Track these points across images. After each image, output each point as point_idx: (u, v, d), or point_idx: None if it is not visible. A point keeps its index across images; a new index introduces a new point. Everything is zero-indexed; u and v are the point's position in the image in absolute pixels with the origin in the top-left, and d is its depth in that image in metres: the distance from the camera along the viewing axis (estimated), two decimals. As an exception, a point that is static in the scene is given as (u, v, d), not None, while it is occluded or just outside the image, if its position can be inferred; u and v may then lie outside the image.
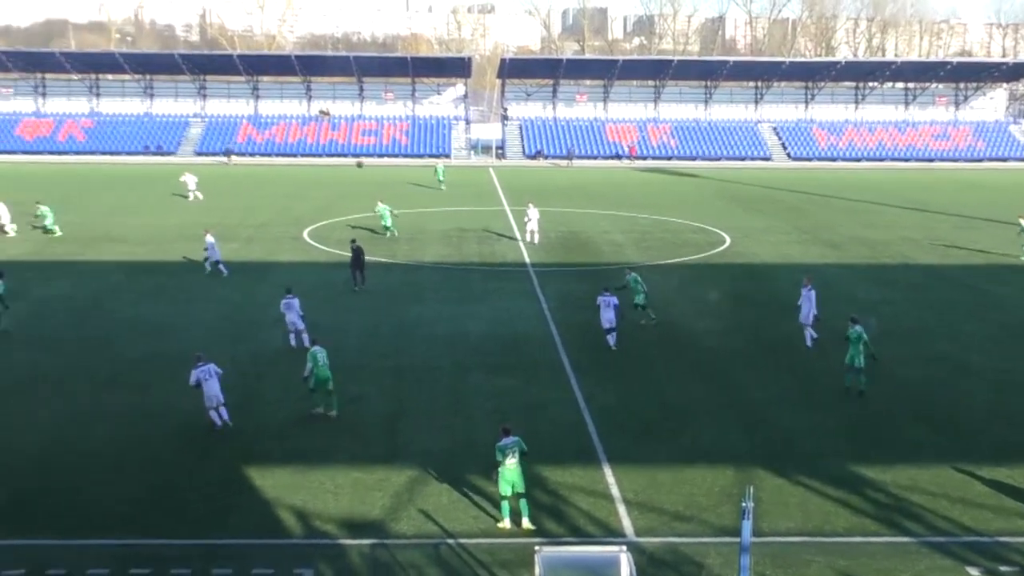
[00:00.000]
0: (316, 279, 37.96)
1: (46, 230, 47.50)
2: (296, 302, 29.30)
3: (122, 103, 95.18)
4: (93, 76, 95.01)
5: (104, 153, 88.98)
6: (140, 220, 51.91)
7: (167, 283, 37.24)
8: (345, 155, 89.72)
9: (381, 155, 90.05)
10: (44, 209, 48.02)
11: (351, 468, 20.50)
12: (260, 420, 23.26)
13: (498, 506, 18.39)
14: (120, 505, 18.82)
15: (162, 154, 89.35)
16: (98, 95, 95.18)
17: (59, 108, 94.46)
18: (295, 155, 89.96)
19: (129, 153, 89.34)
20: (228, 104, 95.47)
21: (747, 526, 14.21)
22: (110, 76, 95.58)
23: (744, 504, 14.14)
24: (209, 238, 39.33)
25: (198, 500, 19.09)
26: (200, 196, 60.21)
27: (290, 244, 45.49)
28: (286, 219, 52.50)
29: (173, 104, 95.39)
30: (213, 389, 22.38)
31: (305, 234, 47.92)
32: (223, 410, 22.53)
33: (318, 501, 19.04)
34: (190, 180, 61.50)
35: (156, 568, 16.49)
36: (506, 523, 18.13)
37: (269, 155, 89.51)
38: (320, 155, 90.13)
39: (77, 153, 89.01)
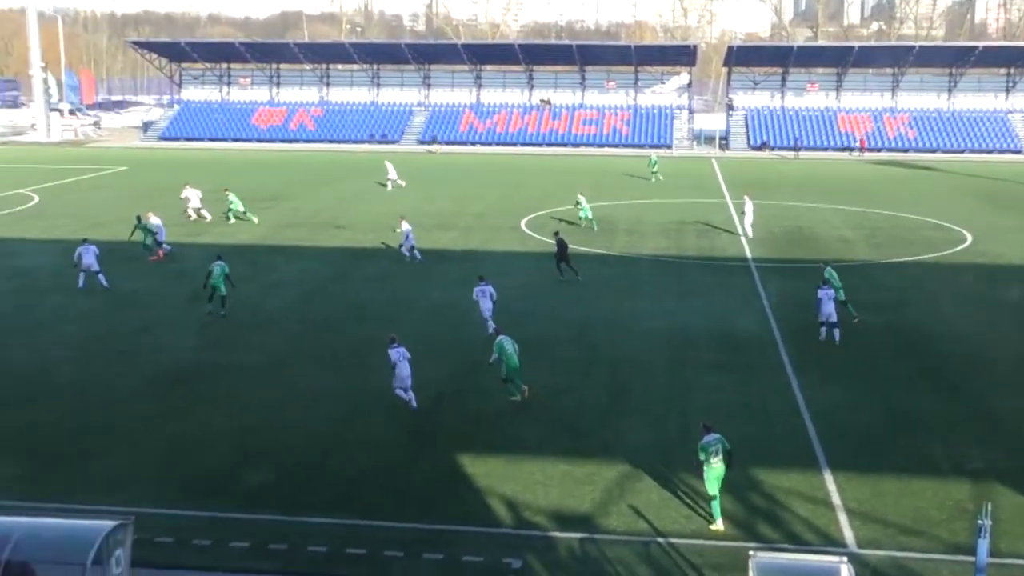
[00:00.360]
0: (531, 269, 38.50)
1: (238, 217, 48.60)
2: (489, 289, 29.84)
3: (350, 92, 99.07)
4: (324, 66, 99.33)
5: (332, 141, 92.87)
6: (365, 207, 53.94)
7: (390, 269, 38.61)
8: (565, 145, 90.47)
9: (601, 145, 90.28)
10: (232, 197, 49.25)
11: (561, 460, 20.72)
12: (476, 407, 23.85)
13: (711, 507, 18.20)
14: (338, 485, 19.69)
15: (387, 142, 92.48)
16: (328, 84, 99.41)
17: (292, 97, 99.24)
18: (515, 144, 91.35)
19: (355, 141, 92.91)
20: (451, 93, 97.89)
21: (983, 545, 13.56)
22: (339, 66, 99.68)
23: (980, 521, 13.49)
24: (405, 225, 40.54)
25: (413, 484, 19.73)
26: (402, 183, 61.90)
27: (507, 234, 46.28)
28: (504, 208, 53.43)
29: (398, 93, 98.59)
30: (404, 371, 23.28)
31: (523, 224, 48.64)
32: (411, 393, 23.28)
33: (528, 492, 19.34)
34: (390, 169, 63.29)
35: (371, 549, 17.18)
36: (719, 525, 17.92)
37: (489, 144, 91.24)
38: (540, 144, 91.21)
39: (307, 141, 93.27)
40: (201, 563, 16.71)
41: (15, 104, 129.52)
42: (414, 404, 23.34)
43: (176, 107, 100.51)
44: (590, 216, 47.53)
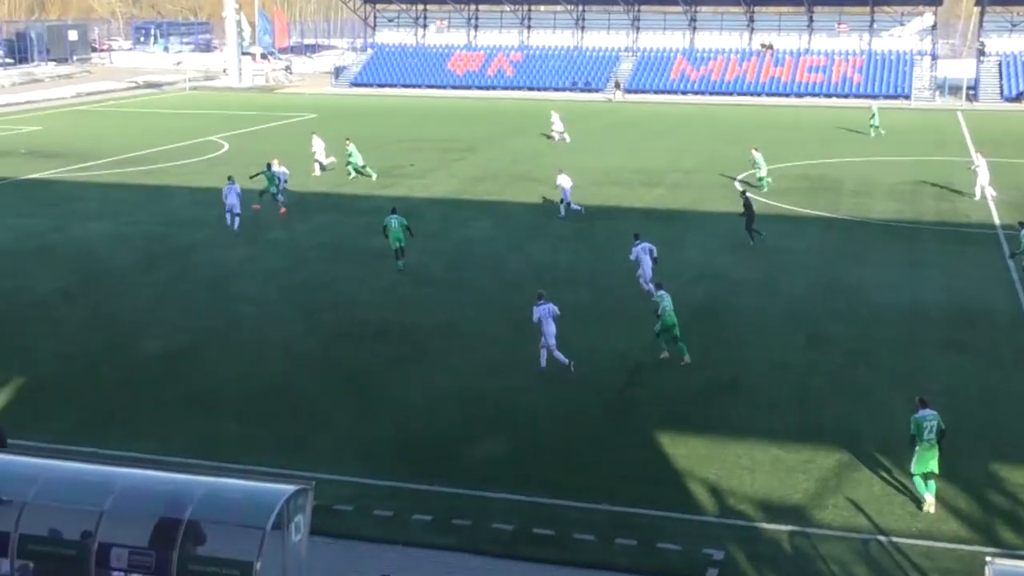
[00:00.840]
0: (743, 233, 37.83)
1: (358, 171, 48.43)
2: (650, 246, 29.87)
3: (552, 36, 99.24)
4: (525, 8, 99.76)
5: (531, 88, 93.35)
6: (567, 161, 54.09)
7: (586, 228, 38.61)
8: (788, 95, 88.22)
9: (829, 95, 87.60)
10: (352, 148, 49.07)
11: (771, 444, 20.34)
12: (677, 381, 23.66)
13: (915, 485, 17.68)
14: (525, 459, 19.88)
15: (589, 91, 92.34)
16: (528, 27, 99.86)
17: (490, 41, 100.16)
18: (731, 93, 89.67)
19: (556, 89, 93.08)
20: (662, 37, 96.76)
21: None
22: (542, 7, 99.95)
23: None
24: (563, 180, 40.33)
25: (605, 463, 19.74)
26: (567, 138, 61.37)
27: (718, 192, 45.54)
28: (717, 165, 52.60)
29: (604, 37, 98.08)
30: (550, 328, 23.83)
31: (737, 182, 47.78)
32: (558, 353, 23.83)
33: (733, 477, 19.07)
34: (556, 120, 62.65)
35: (559, 530, 17.28)
36: (929, 500, 17.42)
37: (702, 93, 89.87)
38: (759, 94, 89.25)
39: (505, 88, 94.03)
40: (381, 535, 17.18)
41: (208, 48, 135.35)
42: (570, 367, 23.80)
43: (369, 51, 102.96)
44: (764, 175, 45.71)
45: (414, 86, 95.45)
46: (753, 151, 46.72)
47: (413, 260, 33.73)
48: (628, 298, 29.49)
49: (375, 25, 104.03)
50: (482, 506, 18.05)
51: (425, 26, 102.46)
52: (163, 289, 31.14)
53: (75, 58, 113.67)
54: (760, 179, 45.62)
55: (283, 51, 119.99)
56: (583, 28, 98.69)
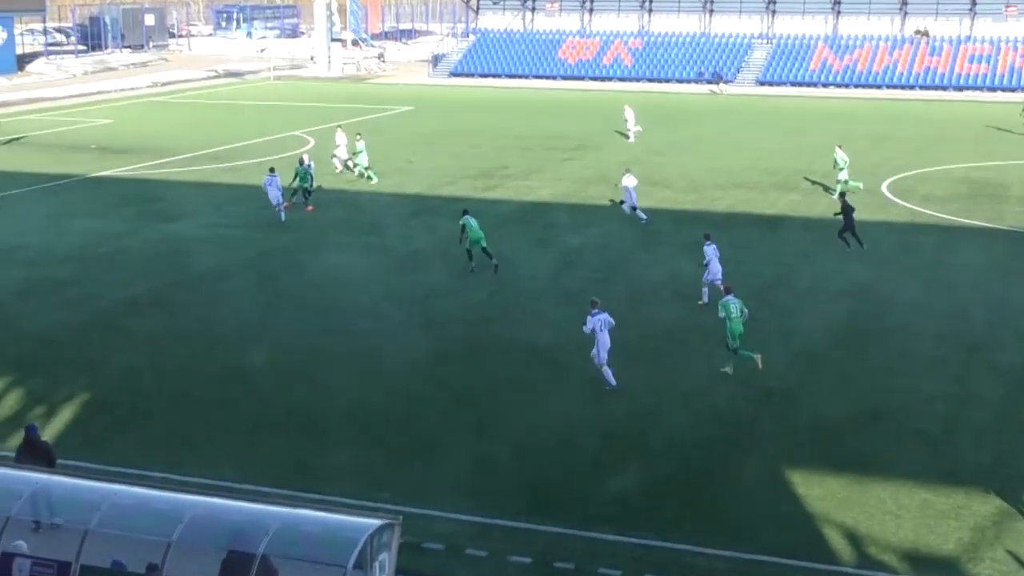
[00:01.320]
0: (892, 244, 37.24)
1: (361, 174, 48.07)
2: (714, 248, 30.66)
3: (676, 20, 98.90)
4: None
5: (652, 80, 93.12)
6: (684, 160, 53.84)
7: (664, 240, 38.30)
8: (946, 88, 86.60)
9: (993, 88, 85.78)
10: (361, 145, 48.80)
11: (919, 485, 19.96)
12: (812, 411, 23.37)
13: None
14: (642, 496, 19.78)
15: (717, 81, 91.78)
16: (650, 11, 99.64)
17: (606, 26, 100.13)
18: (879, 86, 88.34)
19: (680, 80, 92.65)
20: (801, 22, 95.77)
21: None
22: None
23: None
24: (628, 180, 40.32)
25: (726, 501, 19.56)
26: (639, 129, 60.86)
27: (864, 197, 44.85)
28: (862, 166, 51.82)
29: (735, 22, 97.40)
30: (604, 341, 24.26)
31: (884, 187, 47.04)
32: (607, 370, 24.24)
33: (875, 523, 18.75)
34: (629, 116, 62.09)
35: (674, 576, 17.20)
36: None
37: (846, 85, 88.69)
38: (912, 87, 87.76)
39: (622, 79, 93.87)
40: (474, 576, 17.26)
41: (294, 33, 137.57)
42: (612, 382, 24.24)
43: (471, 37, 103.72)
44: (847, 178, 44.33)
45: (520, 76, 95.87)
46: (837, 148, 45.73)
47: (519, 271, 33.87)
48: (758, 317, 29.19)
49: (478, 8, 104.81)
50: (589, 548, 18.00)
51: (534, 9, 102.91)
52: (242, 298, 31.71)
53: (151, 44, 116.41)
54: (841, 182, 44.27)
55: (376, 37, 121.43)
56: (711, 12, 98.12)
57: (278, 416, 23.43)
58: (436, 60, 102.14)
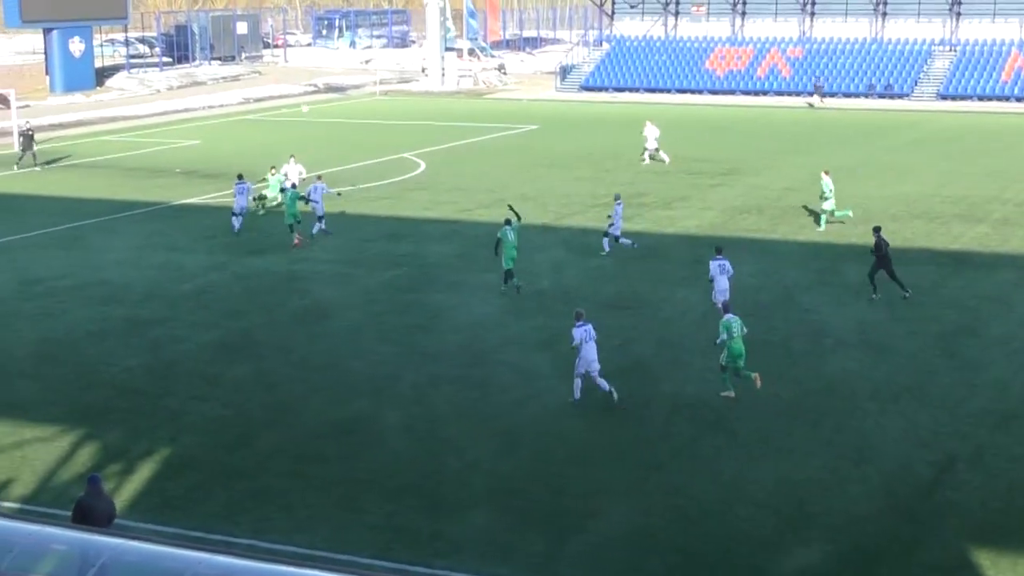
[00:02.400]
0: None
1: (264, 206, 48.44)
2: (727, 264, 33.08)
3: (843, 25, 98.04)
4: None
5: (813, 94, 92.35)
6: (858, 187, 53.22)
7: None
8: None
9: None
10: (274, 178, 48.73)
11: None
12: (1007, 480, 22.86)
13: None
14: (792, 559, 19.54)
15: (891, 96, 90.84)
16: (812, 14, 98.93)
17: (761, 32, 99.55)
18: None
19: (847, 95, 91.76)
20: (991, 26, 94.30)
21: None
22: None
23: None
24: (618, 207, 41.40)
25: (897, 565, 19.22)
26: (665, 158, 59.95)
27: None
28: (1063, 194, 50.90)
29: (912, 27, 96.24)
30: (590, 354, 26.71)
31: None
32: (602, 380, 26.73)
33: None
34: (651, 133, 61.25)
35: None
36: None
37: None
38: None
39: (779, 93, 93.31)
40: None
41: (403, 42, 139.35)
42: (612, 393, 26.75)
43: (605, 46, 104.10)
44: (831, 208, 44.28)
45: (661, 90, 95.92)
46: (823, 175, 45.07)
47: (659, 314, 33.78)
48: (939, 370, 28.74)
49: (613, 13, 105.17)
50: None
51: (677, 14, 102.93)
52: (341, 341, 32.07)
53: (244, 56, 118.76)
54: (826, 212, 44.37)
55: (496, 46, 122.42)
56: (884, 14, 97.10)
57: (381, 476, 23.59)
58: (564, 72, 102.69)
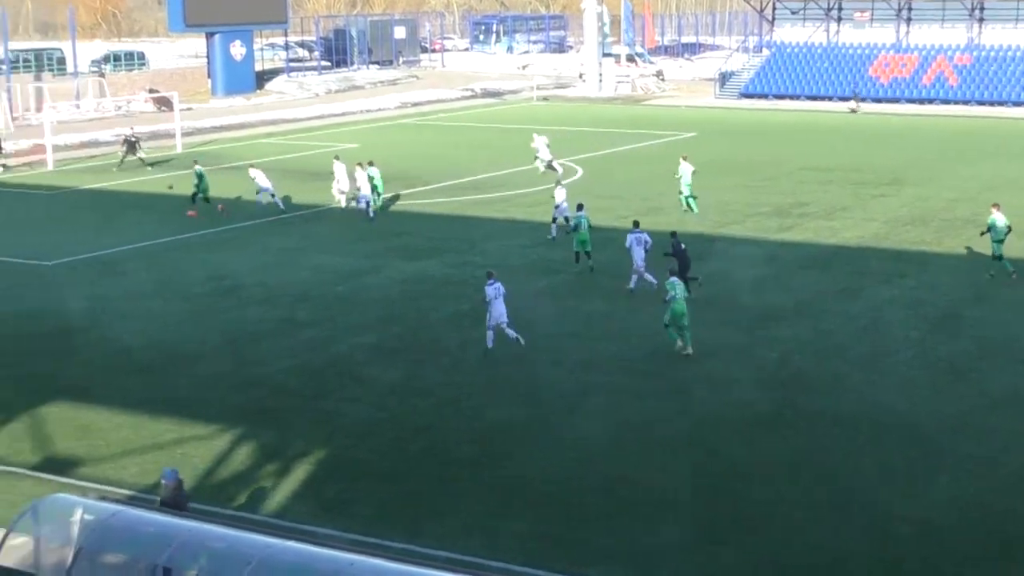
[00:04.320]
0: None
1: (199, 195, 50.58)
2: (644, 236, 36.60)
3: (1014, 32, 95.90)
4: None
5: (983, 103, 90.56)
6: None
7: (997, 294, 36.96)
8: None
9: None
10: (198, 169, 51.21)
11: None
12: None
13: None
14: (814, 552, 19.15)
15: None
16: (981, 20, 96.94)
17: (927, 39, 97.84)
18: None
19: (1017, 103, 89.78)
20: None
21: None
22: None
23: None
24: (558, 193, 44.56)
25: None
26: (558, 168, 58.61)
27: None
28: None
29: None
30: (499, 309, 31.15)
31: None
32: (510, 330, 31.14)
33: None
34: (539, 143, 59.95)
35: None
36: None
37: None
38: None
39: (945, 102, 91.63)
40: None
41: (561, 48, 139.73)
42: (520, 340, 31.16)
43: (765, 52, 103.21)
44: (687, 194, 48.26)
45: (823, 98, 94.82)
46: (682, 160, 49.01)
47: (818, 326, 33.42)
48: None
49: (774, 19, 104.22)
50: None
51: (840, 20, 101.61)
52: (493, 348, 32.16)
53: (401, 60, 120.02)
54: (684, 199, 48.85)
55: (654, 52, 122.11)
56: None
57: (532, 482, 23.68)
58: (724, 78, 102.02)
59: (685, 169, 49.44)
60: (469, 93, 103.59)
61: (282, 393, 28.92)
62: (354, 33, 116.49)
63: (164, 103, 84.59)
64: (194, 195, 50.44)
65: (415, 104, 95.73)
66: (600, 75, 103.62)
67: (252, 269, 40.68)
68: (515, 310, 35.54)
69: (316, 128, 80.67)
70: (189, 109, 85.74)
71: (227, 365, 31.01)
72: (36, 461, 24.75)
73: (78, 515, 17.39)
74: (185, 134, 72.88)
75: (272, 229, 47.33)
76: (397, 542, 20.50)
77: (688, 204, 49.05)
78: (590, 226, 39.53)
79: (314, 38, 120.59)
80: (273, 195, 50.04)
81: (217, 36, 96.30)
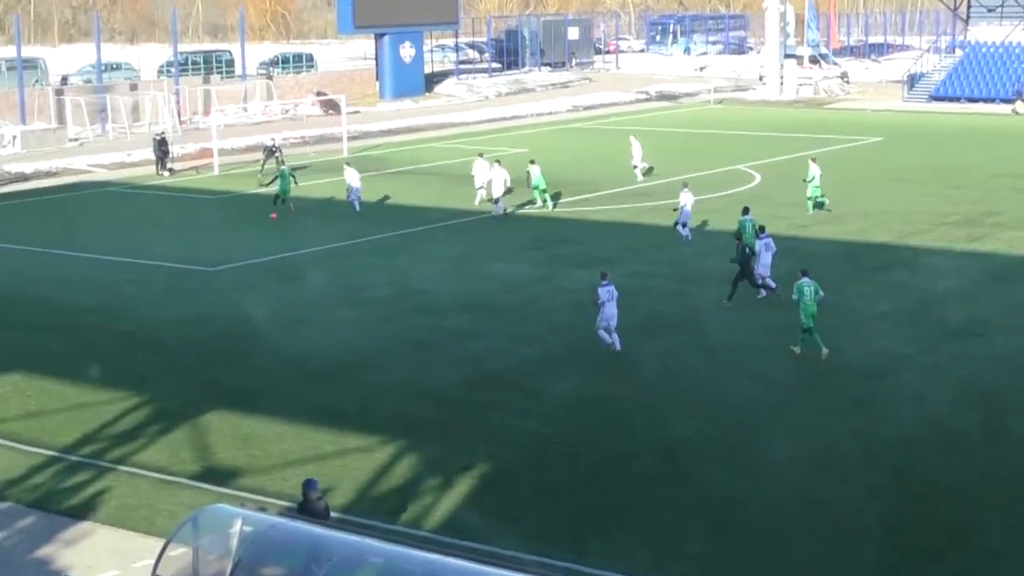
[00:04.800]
0: None
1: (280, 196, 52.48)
2: (770, 241, 37.33)
3: None
4: None
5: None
6: None
7: None
8: None
9: None
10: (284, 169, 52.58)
11: None
12: None
13: None
14: None
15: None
16: None
17: None
18: None
19: None
20: None
21: None
22: None
23: None
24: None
25: None
26: (645, 165, 58.10)
27: None
28: None
29: None
30: (610, 311, 32.02)
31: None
32: (615, 335, 32.02)
33: None
34: (636, 149, 59.07)
35: None
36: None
37: None
38: None
39: None
40: None
41: (740, 49, 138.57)
42: (617, 346, 31.96)
43: (958, 53, 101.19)
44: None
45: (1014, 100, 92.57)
46: (811, 161, 50.61)
47: (1011, 342, 32.63)
48: None
49: (968, 18, 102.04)
50: None
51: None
52: (666, 360, 32.05)
53: (574, 62, 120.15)
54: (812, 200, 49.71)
55: (838, 53, 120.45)
56: None
57: (704, 502, 23.49)
58: (912, 80, 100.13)
59: (815, 171, 50.18)
60: (643, 96, 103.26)
61: (448, 405, 29.10)
62: (526, 34, 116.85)
63: (331, 106, 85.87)
64: (276, 197, 52.46)
65: (587, 107, 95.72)
66: (781, 77, 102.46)
67: (418, 277, 41.00)
68: (685, 320, 35.49)
69: (485, 132, 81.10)
70: (356, 112, 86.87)
71: (392, 375, 31.29)
72: (196, 471, 25.21)
73: (237, 526, 17.64)
74: (352, 138, 73.82)
75: (438, 236, 47.72)
76: (563, 560, 20.47)
77: (817, 205, 49.77)
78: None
79: (485, 39, 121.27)
80: (358, 197, 52.36)
81: (386, 37, 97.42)
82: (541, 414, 28.36)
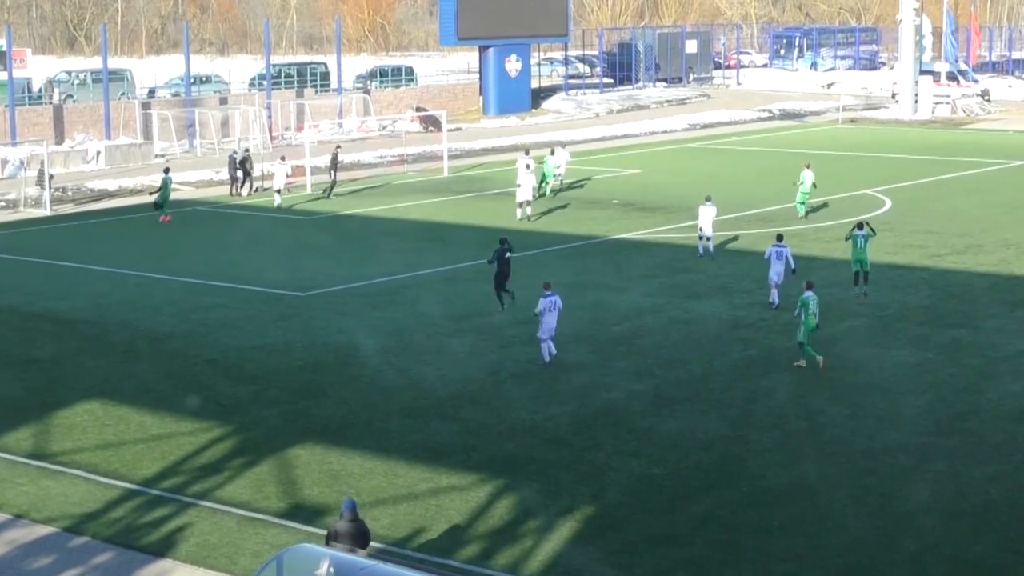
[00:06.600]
0: None
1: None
2: (786, 251, 39.56)
3: None
4: None
5: None
6: None
7: None
8: None
9: None
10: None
11: None
12: None
13: None
14: None
15: None
16: None
17: None
18: None
19: None
20: None
21: None
22: None
23: None
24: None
25: None
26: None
27: None
28: None
29: None
30: (550, 323, 33.82)
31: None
32: (551, 343, 33.99)
33: None
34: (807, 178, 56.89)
35: None
36: None
37: None
38: None
39: None
40: None
41: (872, 64, 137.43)
42: (552, 352, 34.14)
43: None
44: None
45: None
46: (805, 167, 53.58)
47: None
48: None
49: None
50: None
51: None
52: (784, 397, 31.78)
53: (692, 77, 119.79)
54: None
55: (979, 70, 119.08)
56: None
57: (825, 552, 23.28)
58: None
59: (807, 176, 54.47)
60: (766, 114, 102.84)
61: (550, 443, 29.03)
62: (640, 47, 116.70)
63: (431, 123, 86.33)
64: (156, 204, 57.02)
65: (705, 126, 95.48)
66: (916, 95, 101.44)
67: (521, 304, 40.90)
68: (773, 354, 35.10)
69: (595, 152, 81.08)
70: (458, 129, 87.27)
71: (492, 410, 31.27)
72: (282, 507, 25.36)
73: (324, 568, 17.71)
74: (453, 156, 74.08)
75: (547, 260, 47.62)
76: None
77: (800, 209, 54.93)
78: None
79: (596, 53, 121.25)
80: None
81: (491, 50, 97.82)
82: (650, 455, 28.20)
